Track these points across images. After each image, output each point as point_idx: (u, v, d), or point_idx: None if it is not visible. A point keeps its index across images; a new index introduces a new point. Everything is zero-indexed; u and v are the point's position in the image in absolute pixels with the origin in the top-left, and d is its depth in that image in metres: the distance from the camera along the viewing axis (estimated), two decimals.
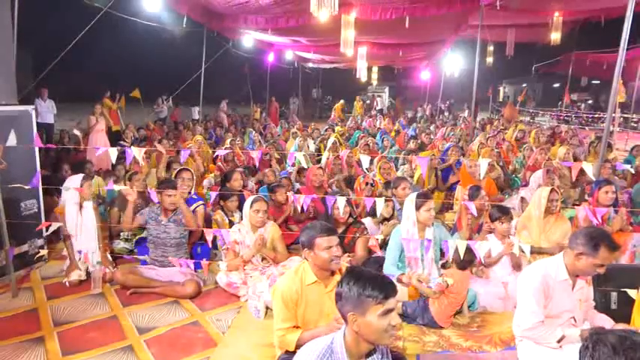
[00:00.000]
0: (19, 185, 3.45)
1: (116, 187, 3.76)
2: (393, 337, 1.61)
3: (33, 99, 8.88)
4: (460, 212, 3.96)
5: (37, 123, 4.22)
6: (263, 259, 3.62)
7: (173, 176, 4.49)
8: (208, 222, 4.29)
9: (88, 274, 3.70)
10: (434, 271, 3.29)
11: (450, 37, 11.22)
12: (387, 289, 1.57)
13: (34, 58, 10.07)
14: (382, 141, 9.12)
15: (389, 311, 1.56)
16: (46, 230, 3.78)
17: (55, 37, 8.53)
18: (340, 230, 3.71)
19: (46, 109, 9.56)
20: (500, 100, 21.68)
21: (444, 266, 3.27)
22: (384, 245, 3.66)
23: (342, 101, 17.90)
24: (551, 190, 3.63)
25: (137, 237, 4.30)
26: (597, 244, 2.14)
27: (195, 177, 4.60)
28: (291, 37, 11.55)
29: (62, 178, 5.31)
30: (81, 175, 3.88)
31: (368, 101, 22.56)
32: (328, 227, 2.32)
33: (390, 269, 3.28)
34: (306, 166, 5.97)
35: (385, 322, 1.56)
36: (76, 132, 8.21)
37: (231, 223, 4.32)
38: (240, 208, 4.47)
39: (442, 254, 3.31)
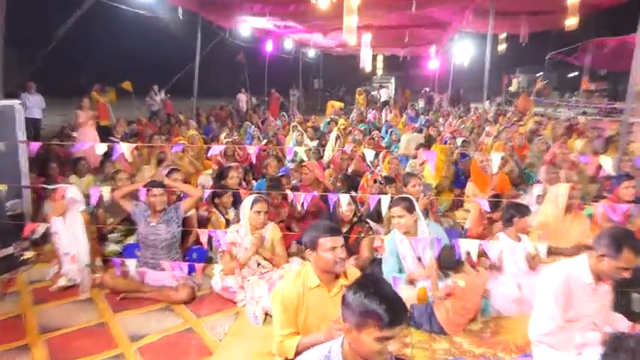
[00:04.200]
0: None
1: (105, 192, 3.73)
2: (386, 359, 1.54)
3: (20, 93, 8.86)
4: (476, 217, 3.91)
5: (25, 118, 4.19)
6: (259, 264, 3.59)
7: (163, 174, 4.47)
8: (201, 224, 4.27)
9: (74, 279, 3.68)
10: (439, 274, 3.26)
11: (456, 20, 11.06)
12: (396, 316, 1.48)
13: (21, 51, 10.05)
14: (389, 135, 9.08)
15: (388, 338, 1.49)
16: (32, 234, 3.76)
17: (43, 29, 8.48)
18: (344, 230, 3.70)
19: (33, 104, 9.54)
20: (514, 90, 21.54)
21: (444, 267, 3.24)
22: None
23: (340, 104, 17.81)
24: (571, 187, 3.59)
25: (127, 239, 4.30)
26: (620, 246, 2.11)
27: (185, 177, 4.59)
28: (291, 21, 11.47)
29: (49, 176, 5.32)
30: (66, 187, 3.80)
31: (373, 92, 22.45)
32: (332, 227, 2.31)
33: (391, 274, 3.27)
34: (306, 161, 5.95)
35: (380, 347, 1.50)
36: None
37: (226, 222, 4.30)
38: (235, 205, 4.45)
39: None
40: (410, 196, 3.48)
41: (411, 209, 3.30)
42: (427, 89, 20.43)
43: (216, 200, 4.43)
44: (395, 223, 3.32)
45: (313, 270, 2.30)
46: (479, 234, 3.74)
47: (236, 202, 4.42)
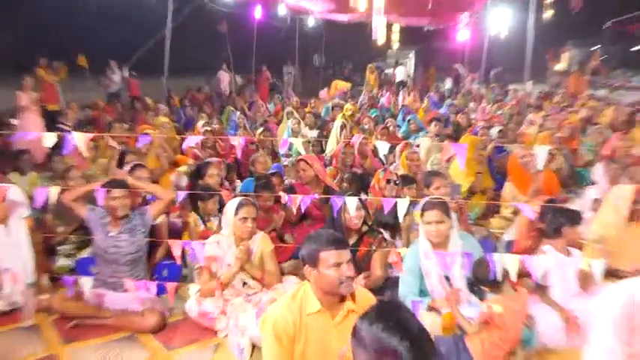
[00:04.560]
0: None
1: (53, 193, 3.72)
2: None
3: None
4: (524, 227, 3.88)
5: None
6: (245, 284, 3.61)
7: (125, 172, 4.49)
8: (174, 233, 4.28)
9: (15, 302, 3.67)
10: (470, 298, 3.28)
11: None
12: (422, 355, 1.44)
13: None
14: (407, 123, 9.10)
15: None
16: None
17: None
18: (352, 241, 3.71)
19: None
20: (563, 67, 21.49)
21: (473, 288, 3.24)
22: None
23: (346, 84, 17.75)
24: (636, 189, 3.59)
25: (81, 252, 4.30)
26: None
27: (153, 175, 4.60)
28: None
29: None
30: (6, 187, 3.77)
31: (388, 70, 22.44)
32: (337, 237, 2.33)
33: (409, 297, 3.28)
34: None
35: None
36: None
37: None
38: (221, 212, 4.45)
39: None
40: (444, 198, 3.50)
41: (449, 213, 3.34)
42: (456, 67, 20.40)
43: (200, 205, 4.42)
44: (432, 231, 3.32)
45: (313, 291, 2.31)
46: (527, 249, 3.74)
47: (222, 208, 4.42)
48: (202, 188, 4.50)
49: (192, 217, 4.34)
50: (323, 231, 2.43)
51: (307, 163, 5.08)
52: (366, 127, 8.67)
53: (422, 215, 3.38)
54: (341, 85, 17.22)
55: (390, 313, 1.54)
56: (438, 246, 3.33)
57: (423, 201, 3.50)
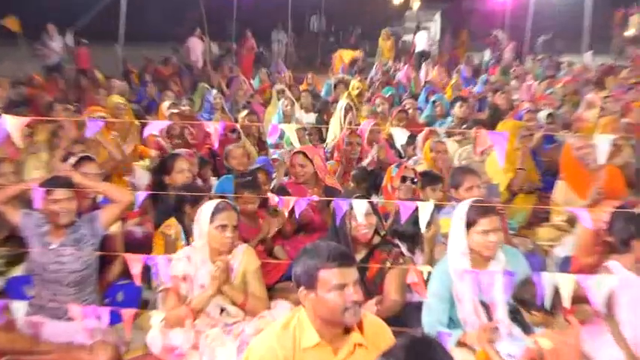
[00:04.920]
0: None
1: None
2: None
3: None
4: (587, 240, 3.87)
5: None
6: (223, 310, 3.60)
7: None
8: (134, 246, 4.28)
9: None
10: (512, 330, 3.28)
11: None
12: None
13: None
14: (432, 105, 9.09)
15: None
16: None
17: None
18: (360, 256, 3.70)
19: None
20: (632, 33, 21.45)
21: (515, 317, 3.24)
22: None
23: (356, 53, 17.64)
24: None
25: (13, 269, 4.29)
26: None
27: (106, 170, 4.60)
28: None
29: None
30: None
31: (407, 37, 22.43)
32: (341, 252, 2.33)
33: (435, 328, 3.27)
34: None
35: None
36: None
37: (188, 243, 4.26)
38: None
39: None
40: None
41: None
42: (494, 33, 20.34)
43: (187, 210, 4.34)
44: (489, 243, 3.29)
45: (310, 320, 2.31)
46: (590, 267, 3.74)
47: None
48: (188, 188, 4.45)
49: (175, 228, 4.31)
50: (323, 243, 2.43)
51: (306, 157, 5.08)
52: (379, 109, 8.65)
53: (474, 223, 3.32)
54: (347, 55, 17.06)
55: (420, 353, 1.55)
56: (475, 263, 3.32)
57: (464, 205, 3.44)
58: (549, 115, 7.61)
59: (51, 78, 11.35)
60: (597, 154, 4.35)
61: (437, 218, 3.95)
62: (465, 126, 7.39)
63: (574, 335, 3.10)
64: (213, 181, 5.69)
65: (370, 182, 5.38)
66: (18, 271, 4.32)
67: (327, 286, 2.22)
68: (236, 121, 8.11)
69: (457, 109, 7.79)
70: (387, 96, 9.85)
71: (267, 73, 13.91)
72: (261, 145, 7.29)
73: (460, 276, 3.31)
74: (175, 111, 7.20)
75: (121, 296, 4.07)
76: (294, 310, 2.45)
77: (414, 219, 3.56)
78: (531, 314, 3.14)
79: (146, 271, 3.84)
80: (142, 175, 5.84)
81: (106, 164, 5.50)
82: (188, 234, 4.21)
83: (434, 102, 9.11)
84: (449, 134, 7.21)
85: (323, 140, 7.61)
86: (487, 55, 19.20)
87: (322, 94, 11.30)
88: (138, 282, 3.70)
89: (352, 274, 2.26)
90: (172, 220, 4.31)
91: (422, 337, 1.73)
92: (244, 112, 8.17)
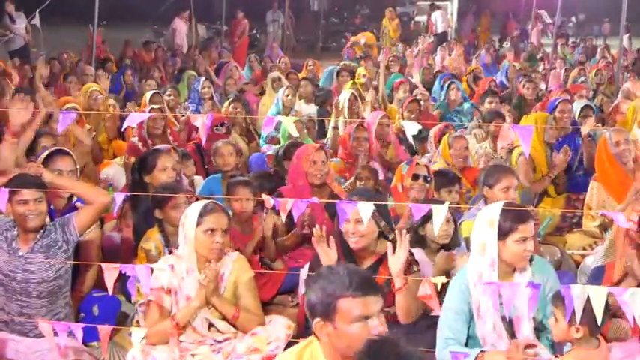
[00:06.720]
0: None
1: None
2: None
3: None
4: (618, 247, 3.88)
5: None
6: (211, 326, 3.59)
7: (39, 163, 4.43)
8: (111, 253, 4.25)
9: None
10: (539, 350, 3.23)
11: None
12: None
13: None
14: (445, 91, 9.06)
15: None
16: None
17: None
18: (366, 265, 3.67)
19: None
20: None
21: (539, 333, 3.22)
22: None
23: (370, 36, 17.60)
24: None
25: None
26: None
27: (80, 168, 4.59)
28: None
29: None
30: None
31: (419, 18, 22.39)
32: (363, 277, 2.32)
33: (451, 347, 3.23)
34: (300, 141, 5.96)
35: None
36: None
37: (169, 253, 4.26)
38: None
39: None
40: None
41: None
42: (538, 11, 20.19)
43: (159, 214, 4.36)
44: (527, 252, 3.31)
45: (325, 355, 2.31)
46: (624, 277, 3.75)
47: None
48: (145, 189, 4.47)
49: (155, 241, 4.26)
50: (341, 267, 2.42)
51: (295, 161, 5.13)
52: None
53: (511, 230, 3.30)
54: (358, 41, 16.92)
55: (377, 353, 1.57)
56: (500, 275, 3.30)
57: (492, 209, 3.42)
58: (585, 106, 7.59)
59: (17, 63, 11.29)
60: (636, 151, 4.36)
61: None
62: (481, 119, 7.35)
63: (603, 354, 3.11)
64: (200, 181, 5.70)
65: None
66: None
67: (349, 318, 2.22)
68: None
69: (487, 104, 7.81)
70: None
71: (256, 60, 13.84)
72: (250, 137, 7.27)
73: (483, 289, 3.30)
74: (156, 106, 7.07)
75: (97, 309, 4.05)
76: (306, 341, 2.42)
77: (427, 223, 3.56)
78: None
79: (125, 281, 3.87)
80: (119, 172, 5.84)
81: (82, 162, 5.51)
82: (171, 243, 4.21)
83: (448, 86, 9.10)
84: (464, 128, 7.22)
85: (324, 134, 7.59)
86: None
87: (323, 82, 11.25)
88: (111, 292, 3.66)
89: (377, 303, 2.26)
90: (152, 232, 4.32)
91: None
92: (228, 101, 8.18)
